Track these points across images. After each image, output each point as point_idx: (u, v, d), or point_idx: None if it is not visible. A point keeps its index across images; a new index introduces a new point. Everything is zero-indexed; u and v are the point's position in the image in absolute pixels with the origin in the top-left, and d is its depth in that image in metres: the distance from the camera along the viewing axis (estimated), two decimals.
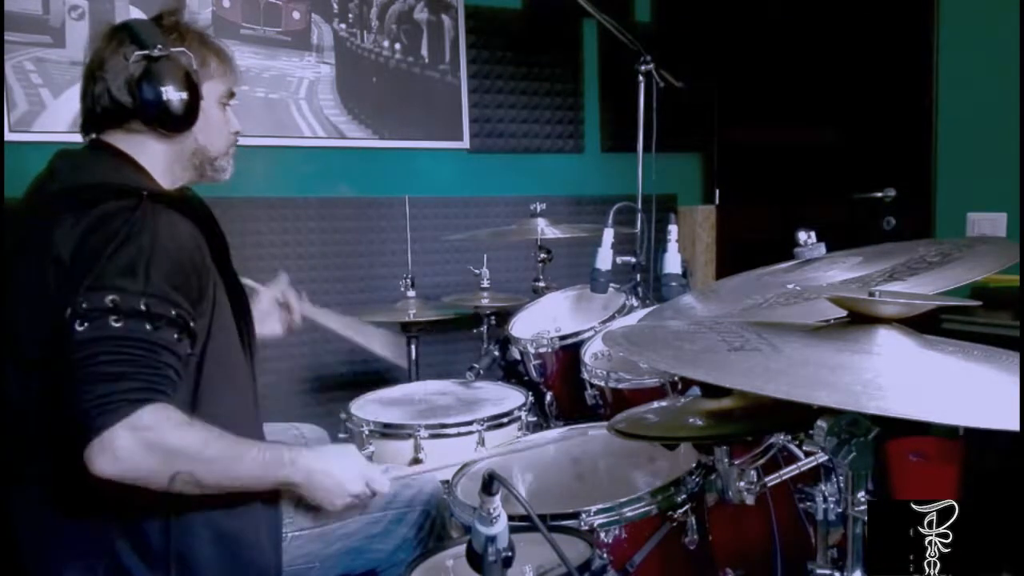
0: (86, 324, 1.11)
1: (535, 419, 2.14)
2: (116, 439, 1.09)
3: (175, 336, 1.17)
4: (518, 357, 2.36)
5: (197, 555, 1.25)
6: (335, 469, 1.31)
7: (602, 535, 1.39)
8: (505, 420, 2.02)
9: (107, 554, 1.21)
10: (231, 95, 1.44)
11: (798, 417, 1.10)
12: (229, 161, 1.45)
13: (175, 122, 1.32)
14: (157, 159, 1.36)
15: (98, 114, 1.32)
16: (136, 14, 2.54)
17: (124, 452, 1.09)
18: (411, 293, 2.67)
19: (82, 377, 1.11)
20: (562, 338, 2.20)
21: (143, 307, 1.14)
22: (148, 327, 1.14)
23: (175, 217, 1.23)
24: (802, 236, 1.46)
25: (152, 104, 1.29)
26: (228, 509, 1.27)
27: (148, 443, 1.11)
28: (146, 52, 1.28)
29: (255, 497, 1.32)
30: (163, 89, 1.29)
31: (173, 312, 1.17)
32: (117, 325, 1.12)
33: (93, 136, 1.36)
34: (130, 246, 1.16)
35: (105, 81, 1.30)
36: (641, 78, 2.71)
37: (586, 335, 2.15)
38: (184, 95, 1.31)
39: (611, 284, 2.25)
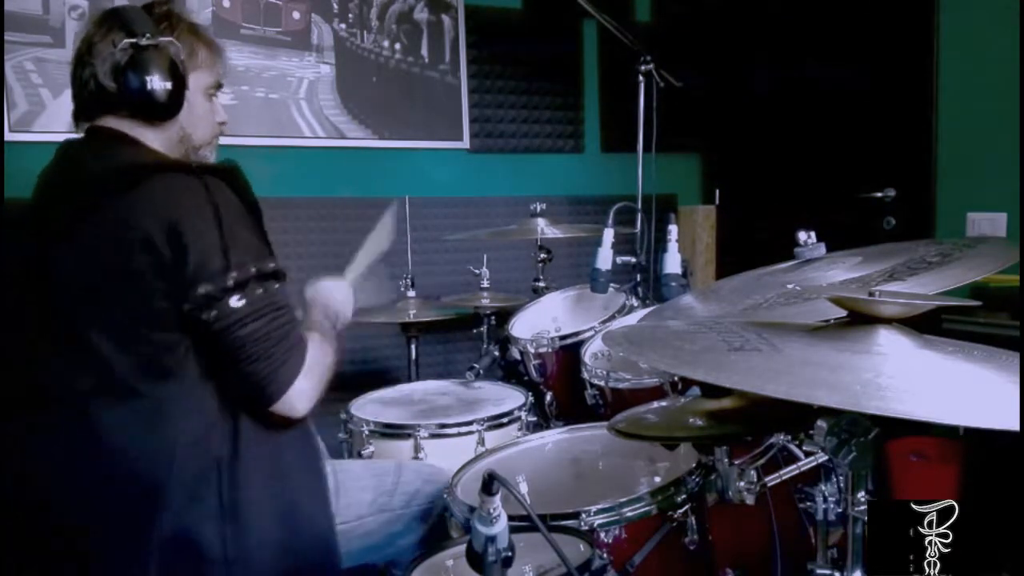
0: (241, 297, 1.21)
1: (535, 419, 2.13)
2: (301, 389, 1.29)
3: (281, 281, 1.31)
4: (518, 357, 2.36)
5: (251, 512, 1.27)
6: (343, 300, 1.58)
7: (602, 535, 1.38)
8: (505, 420, 2.02)
9: (158, 516, 1.22)
10: (218, 86, 1.45)
11: (798, 417, 1.10)
12: (213, 150, 1.47)
13: (158, 111, 1.33)
14: (152, 143, 1.37)
15: (86, 99, 1.33)
16: None
17: (308, 394, 1.31)
18: (411, 293, 2.66)
19: (251, 344, 1.22)
20: (562, 338, 2.19)
21: (271, 267, 1.26)
22: (277, 285, 1.27)
23: (224, 185, 1.28)
24: (802, 236, 1.46)
25: (136, 92, 1.30)
26: (276, 473, 1.32)
27: (317, 377, 1.33)
28: (133, 40, 1.29)
29: (300, 462, 1.37)
30: (148, 78, 1.30)
31: (275, 262, 1.29)
32: (260, 291, 1.24)
33: (87, 124, 1.36)
34: (225, 215, 1.22)
35: (93, 66, 1.31)
36: (641, 78, 2.71)
37: (586, 335, 2.15)
38: (168, 85, 1.32)
39: (611, 284, 2.24)
